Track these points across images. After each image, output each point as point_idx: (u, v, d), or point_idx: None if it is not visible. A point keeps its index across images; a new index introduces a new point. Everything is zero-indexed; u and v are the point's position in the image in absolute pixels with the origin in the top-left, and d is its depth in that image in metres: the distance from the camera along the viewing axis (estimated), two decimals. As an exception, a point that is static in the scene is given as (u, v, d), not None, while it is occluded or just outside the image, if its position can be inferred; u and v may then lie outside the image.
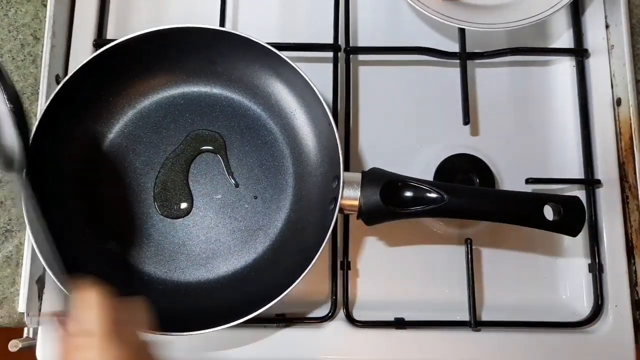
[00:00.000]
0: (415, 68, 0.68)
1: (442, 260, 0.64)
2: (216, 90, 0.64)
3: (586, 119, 0.65)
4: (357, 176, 0.56)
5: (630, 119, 0.64)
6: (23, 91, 0.65)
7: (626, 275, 0.62)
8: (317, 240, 0.54)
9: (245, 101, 0.63)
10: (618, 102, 0.66)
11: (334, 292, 0.60)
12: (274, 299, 0.53)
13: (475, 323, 0.60)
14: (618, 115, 0.65)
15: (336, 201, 0.55)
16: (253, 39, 0.58)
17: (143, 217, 0.61)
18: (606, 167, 0.64)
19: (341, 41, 0.66)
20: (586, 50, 0.67)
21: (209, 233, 0.61)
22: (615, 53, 0.66)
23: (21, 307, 0.58)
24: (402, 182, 0.55)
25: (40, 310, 0.60)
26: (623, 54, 0.65)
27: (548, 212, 0.55)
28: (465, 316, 0.61)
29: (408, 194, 0.55)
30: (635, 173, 0.63)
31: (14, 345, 0.57)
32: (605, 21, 0.68)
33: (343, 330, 0.60)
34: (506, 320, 0.61)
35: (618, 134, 0.65)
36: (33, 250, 0.56)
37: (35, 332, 0.60)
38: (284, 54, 0.58)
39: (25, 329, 0.60)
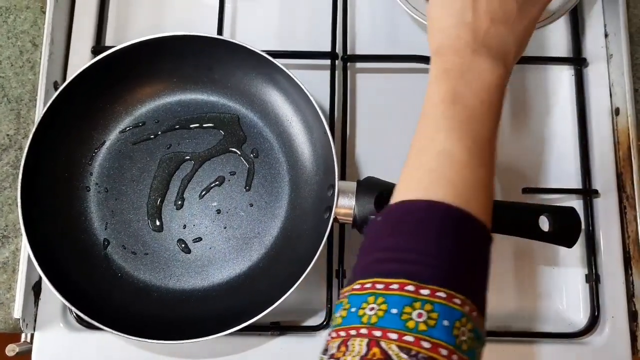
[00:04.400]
0: (413, 76, 0.68)
1: (438, 269, 0.63)
2: (213, 97, 0.64)
3: (584, 129, 0.65)
4: (352, 185, 0.55)
5: (629, 129, 0.63)
6: (21, 97, 0.65)
7: (623, 286, 0.61)
8: (312, 249, 0.54)
9: (242, 109, 0.63)
10: (616, 111, 0.65)
11: (329, 300, 0.60)
12: (269, 307, 0.53)
13: (471, 333, 0.60)
14: (616, 125, 0.65)
15: (331, 210, 0.55)
16: (249, 47, 0.58)
17: (139, 224, 0.61)
18: (604, 177, 0.64)
19: (339, 49, 0.66)
20: (585, 59, 0.67)
21: (204, 241, 0.61)
22: (614, 62, 0.66)
23: (17, 313, 0.58)
24: (397, 191, 0.55)
25: (36, 316, 0.60)
26: (622, 63, 0.64)
27: (543, 223, 0.54)
28: (460, 326, 0.60)
29: (403, 203, 0.55)
30: (633, 183, 0.63)
31: (11, 350, 0.57)
32: (604, 30, 0.68)
33: (338, 338, 0.60)
34: (501, 330, 0.61)
35: (616, 144, 0.65)
36: (29, 256, 0.56)
37: (32, 337, 0.60)
38: (280, 62, 0.58)
39: (22, 334, 0.60)
